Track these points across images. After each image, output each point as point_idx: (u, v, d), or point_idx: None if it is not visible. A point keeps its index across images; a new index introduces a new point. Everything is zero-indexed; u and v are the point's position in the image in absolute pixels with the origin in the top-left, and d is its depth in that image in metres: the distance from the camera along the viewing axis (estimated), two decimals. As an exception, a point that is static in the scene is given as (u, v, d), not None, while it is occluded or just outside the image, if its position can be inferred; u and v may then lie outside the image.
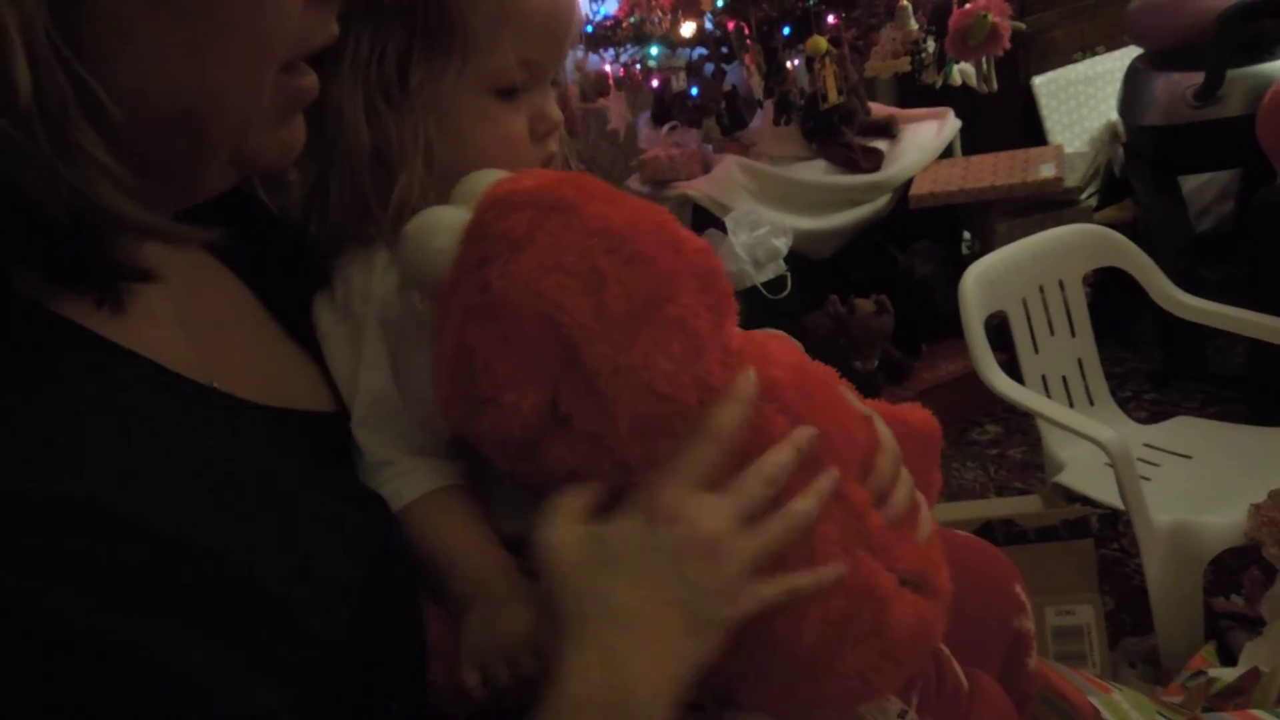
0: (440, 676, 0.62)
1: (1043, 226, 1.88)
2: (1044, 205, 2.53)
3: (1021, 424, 2.42)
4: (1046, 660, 1.14)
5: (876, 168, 2.59)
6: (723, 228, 2.31)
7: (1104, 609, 1.50)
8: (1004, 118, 3.05)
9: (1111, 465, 1.41)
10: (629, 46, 2.53)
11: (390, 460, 0.65)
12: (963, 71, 2.48)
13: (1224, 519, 1.40)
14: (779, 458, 0.57)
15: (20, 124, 0.42)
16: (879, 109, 2.81)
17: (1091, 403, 1.79)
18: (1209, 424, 1.82)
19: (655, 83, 2.61)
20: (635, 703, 0.53)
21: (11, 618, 0.40)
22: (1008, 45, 2.32)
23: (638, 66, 2.56)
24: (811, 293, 2.41)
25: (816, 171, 2.57)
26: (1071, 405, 1.75)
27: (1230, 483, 1.53)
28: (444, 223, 0.58)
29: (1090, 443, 1.46)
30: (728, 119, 2.72)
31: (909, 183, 2.61)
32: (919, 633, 0.59)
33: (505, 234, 0.56)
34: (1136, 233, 2.18)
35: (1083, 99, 3.04)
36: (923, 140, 2.69)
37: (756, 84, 2.44)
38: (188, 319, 0.58)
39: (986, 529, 1.53)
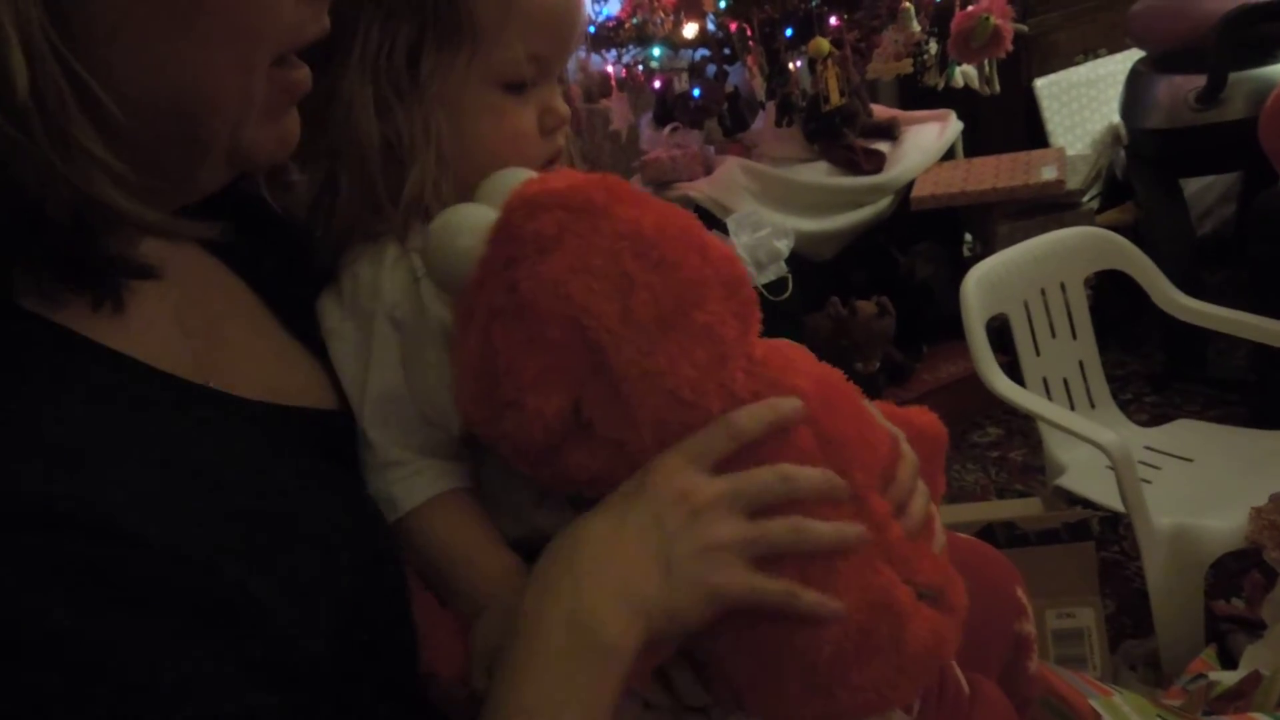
0: (448, 679, 0.62)
1: (1044, 229, 1.88)
2: (1046, 208, 2.53)
3: (1022, 426, 2.42)
4: (1047, 663, 1.14)
5: (878, 170, 2.59)
6: (724, 229, 2.31)
7: (1104, 612, 1.51)
8: (1006, 120, 3.05)
9: (1112, 468, 1.41)
10: (631, 47, 2.53)
11: (400, 460, 0.64)
12: (965, 74, 2.49)
13: (1225, 522, 1.40)
14: (804, 469, 0.57)
15: (18, 121, 0.42)
16: (881, 111, 2.81)
17: (1093, 405, 1.79)
18: (1210, 427, 1.82)
19: (657, 84, 2.61)
20: (599, 627, 0.53)
21: None
22: (1010, 47, 2.32)
23: (640, 67, 2.56)
24: (813, 294, 2.41)
25: (818, 173, 2.57)
26: (1072, 408, 1.75)
27: (1231, 486, 1.53)
28: (470, 221, 0.58)
29: (1091, 445, 1.45)
30: (730, 120, 2.72)
31: (910, 185, 2.61)
32: (934, 648, 0.59)
33: (534, 235, 0.55)
34: (1138, 235, 2.18)
35: (1085, 101, 3.04)
36: (924, 142, 2.69)
37: (759, 85, 2.44)
38: (185, 318, 0.58)
39: (987, 531, 1.53)
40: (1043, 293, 1.74)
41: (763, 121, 2.71)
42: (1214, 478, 1.61)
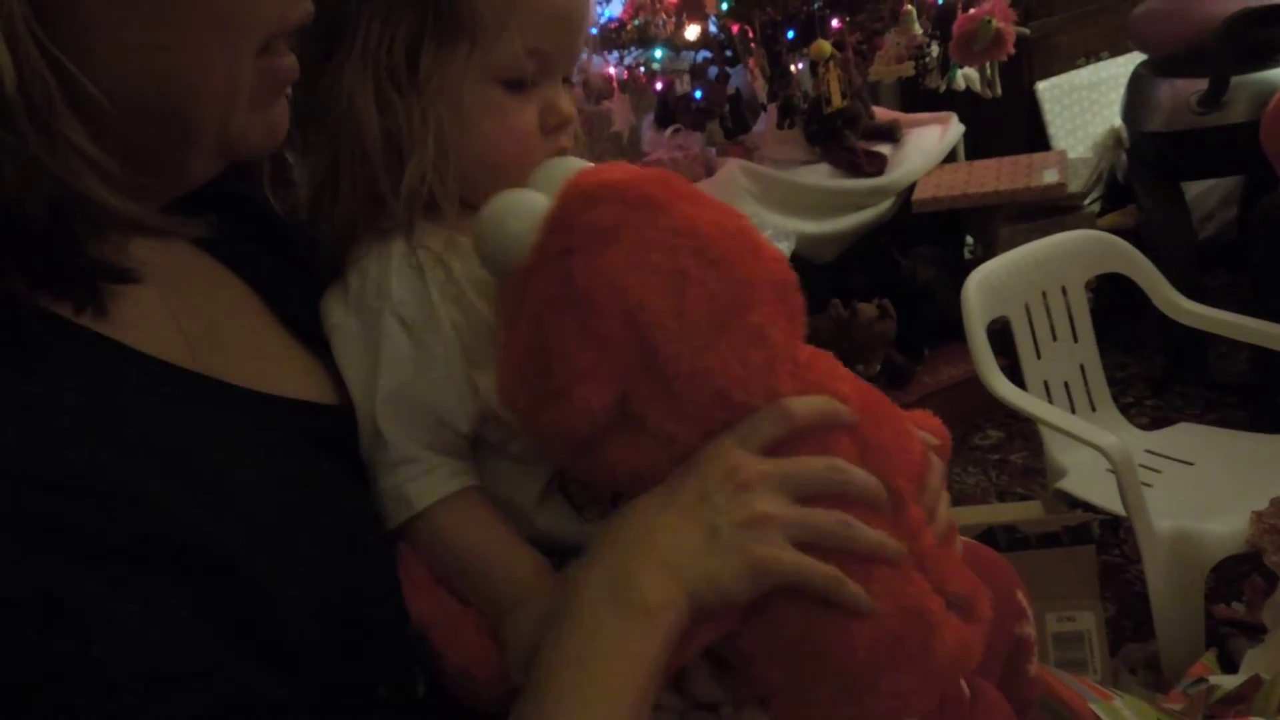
0: (483, 678, 0.62)
1: (1046, 232, 1.88)
2: (1047, 210, 2.53)
3: (1023, 429, 2.42)
4: (1047, 666, 1.14)
5: (880, 172, 2.59)
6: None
7: (1105, 615, 1.50)
8: (1007, 123, 3.05)
9: (1113, 471, 1.41)
10: (633, 49, 2.54)
11: (414, 458, 0.64)
12: (966, 76, 2.49)
13: (1225, 526, 1.40)
14: (855, 468, 0.58)
15: (5, 118, 0.42)
16: (883, 113, 2.81)
17: (1093, 408, 1.79)
18: (1211, 430, 1.82)
19: (659, 85, 2.61)
20: (638, 588, 0.54)
21: None
22: (1012, 50, 2.32)
23: (642, 69, 2.56)
24: (814, 296, 2.39)
25: (820, 175, 2.57)
26: (1073, 411, 1.75)
27: (1232, 489, 1.53)
28: (523, 206, 0.58)
29: (1092, 449, 1.45)
30: (731, 122, 2.72)
31: (912, 187, 2.61)
32: (960, 658, 0.59)
33: (592, 226, 0.55)
34: (1139, 239, 2.18)
35: (1086, 104, 3.04)
36: (926, 145, 2.70)
37: (760, 87, 2.45)
38: (180, 314, 0.58)
39: (988, 534, 1.53)
40: (1044, 295, 1.74)
41: (764, 123, 2.71)
42: (1215, 481, 1.61)
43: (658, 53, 2.53)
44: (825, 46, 2.29)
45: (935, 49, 2.48)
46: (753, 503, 0.56)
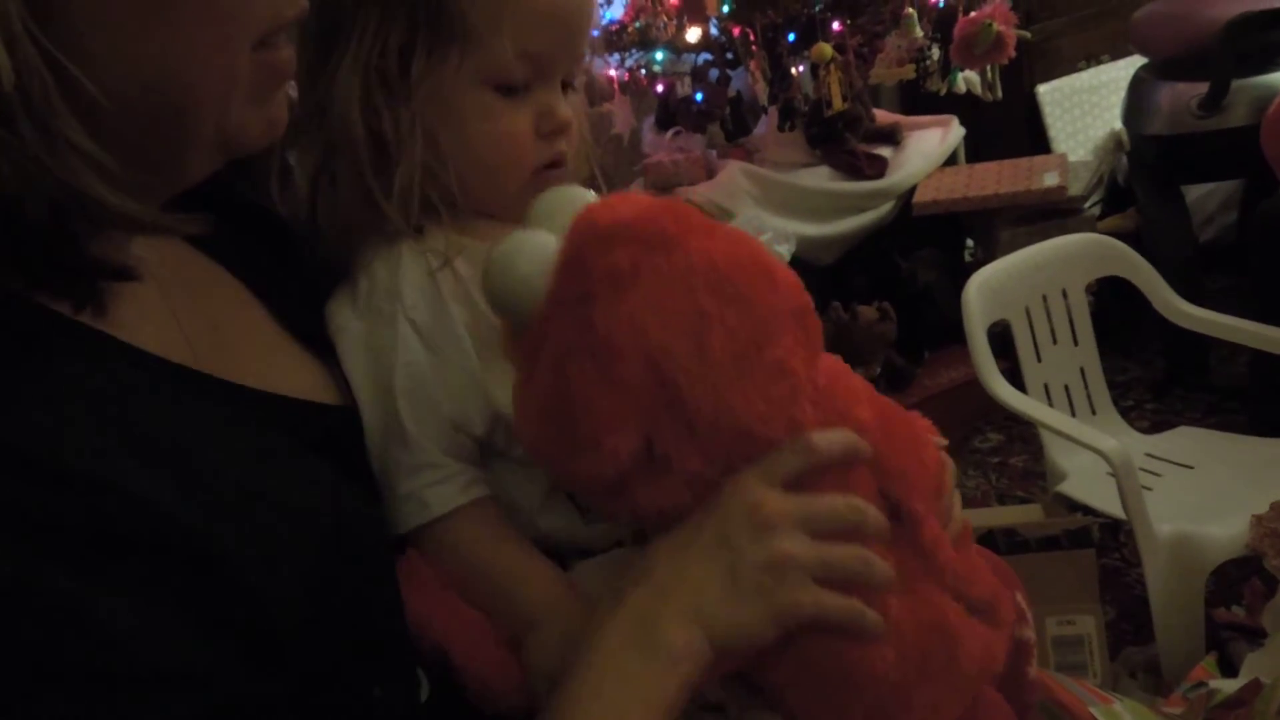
0: (502, 692, 0.62)
1: (1046, 235, 1.88)
2: (1047, 214, 2.53)
3: (1023, 432, 2.42)
4: (1047, 670, 1.14)
5: (880, 175, 2.59)
6: (726, 233, 2.31)
7: (1105, 619, 1.50)
8: (1008, 126, 3.05)
9: (1113, 475, 1.41)
10: (634, 51, 2.54)
11: (434, 463, 0.64)
12: (967, 79, 2.49)
13: (1225, 530, 1.40)
14: (873, 511, 0.58)
15: (3, 117, 0.42)
16: (883, 116, 2.81)
17: (1094, 412, 1.79)
18: (1211, 434, 1.82)
19: (660, 88, 2.62)
20: (661, 635, 0.54)
21: None
22: (1012, 53, 2.33)
23: (642, 71, 2.57)
24: (815, 299, 2.41)
25: (820, 178, 2.57)
26: (1074, 414, 1.75)
27: (1232, 493, 1.53)
28: (533, 248, 0.57)
29: (1092, 452, 1.45)
30: (732, 125, 2.72)
31: (912, 190, 2.61)
32: (986, 664, 0.59)
33: (609, 271, 0.54)
34: (1139, 242, 2.18)
35: (1087, 108, 3.04)
36: (927, 148, 2.70)
37: (761, 90, 2.45)
38: (181, 314, 0.58)
39: (988, 538, 1.53)
40: (1044, 299, 1.74)
41: (765, 126, 2.71)
42: (1215, 485, 1.61)
43: (659, 55, 2.53)
44: (826, 49, 2.29)
45: (936, 52, 2.48)
46: (775, 544, 0.55)
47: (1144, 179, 2.60)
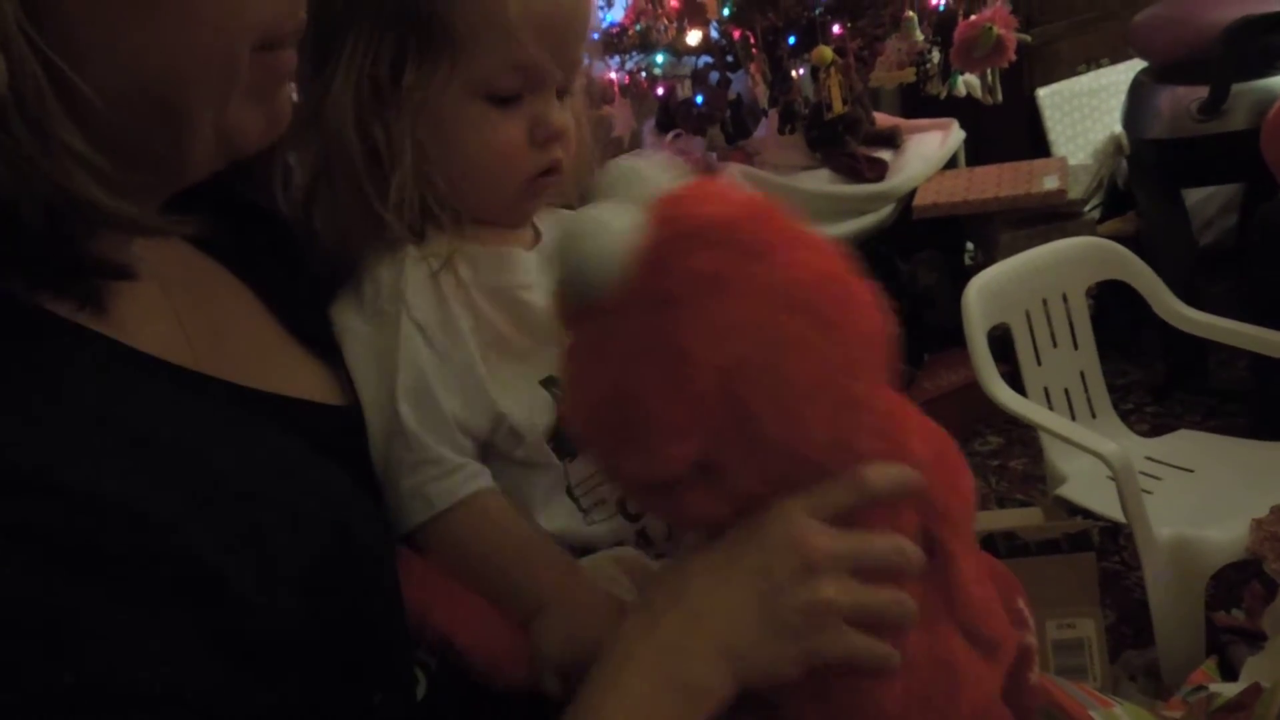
0: (512, 676, 0.62)
1: (1046, 238, 1.88)
2: (1047, 217, 2.53)
3: (1023, 435, 2.42)
4: (1047, 674, 1.14)
5: (880, 178, 2.59)
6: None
7: (1105, 622, 1.50)
8: (1008, 129, 3.05)
9: (1113, 478, 1.41)
10: (634, 54, 2.54)
11: (437, 459, 0.64)
12: (967, 83, 2.49)
13: (1225, 533, 1.40)
14: (916, 552, 0.57)
15: None
16: (883, 119, 2.81)
17: (1093, 415, 1.79)
18: (1211, 438, 1.82)
19: (660, 90, 2.62)
20: (690, 667, 0.53)
21: None
22: (1013, 57, 2.33)
23: (643, 74, 2.57)
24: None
25: (820, 181, 2.57)
26: (1073, 418, 1.75)
27: (1232, 497, 1.52)
28: (610, 227, 0.54)
29: (1092, 455, 1.45)
30: (732, 127, 2.72)
31: (913, 193, 2.61)
32: (981, 704, 0.59)
33: (693, 275, 0.52)
34: (1139, 245, 2.18)
35: (1087, 111, 3.05)
36: (927, 151, 2.70)
37: (761, 93, 2.45)
38: (184, 315, 0.58)
39: (988, 541, 1.52)
40: (1044, 302, 1.74)
41: (765, 129, 2.71)
42: (1215, 488, 1.61)
43: (659, 58, 2.53)
44: (826, 52, 2.30)
45: (936, 55, 2.48)
46: (816, 587, 0.54)
47: (1144, 183, 2.60)
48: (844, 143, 2.57)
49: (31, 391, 0.45)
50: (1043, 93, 3.05)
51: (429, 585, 0.63)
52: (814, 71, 2.41)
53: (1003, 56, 2.31)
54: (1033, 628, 0.88)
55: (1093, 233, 2.39)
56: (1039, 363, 1.73)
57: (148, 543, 0.44)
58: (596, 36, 2.47)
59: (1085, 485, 1.64)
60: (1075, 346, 1.78)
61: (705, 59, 2.54)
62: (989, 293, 1.65)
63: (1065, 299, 1.76)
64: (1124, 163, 2.76)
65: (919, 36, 2.41)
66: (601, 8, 2.52)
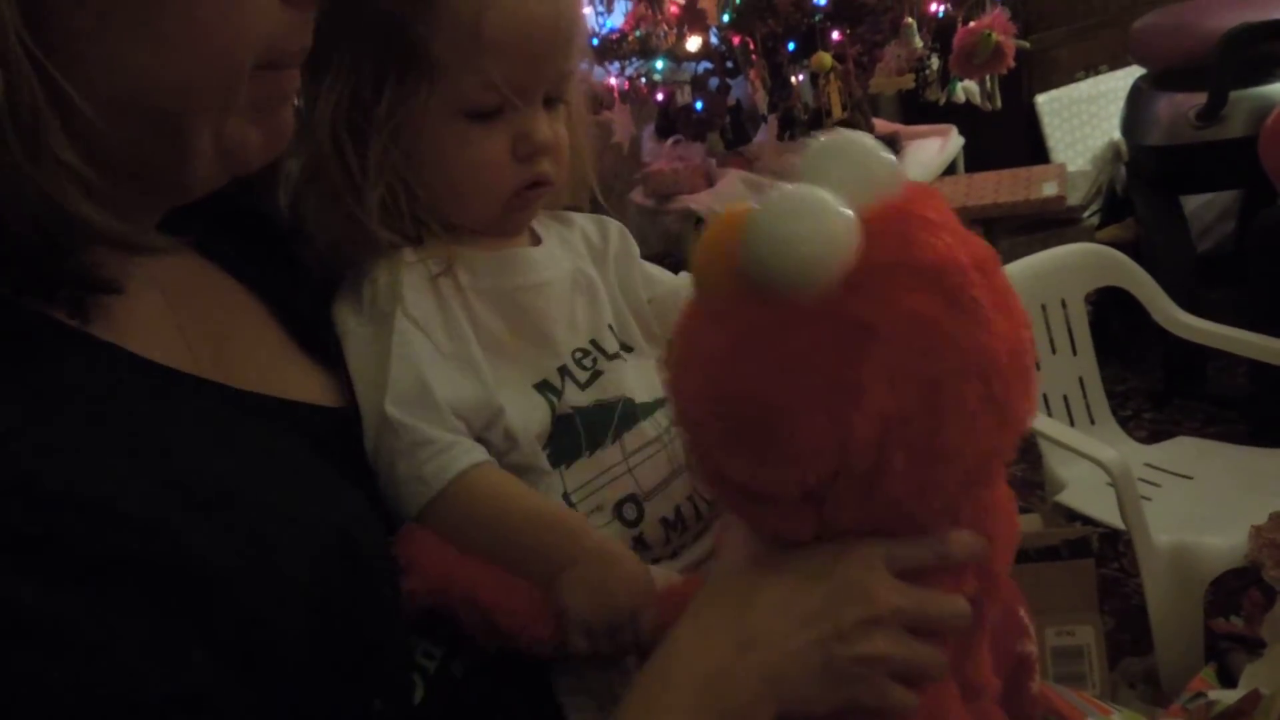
0: (538, 633, 0.62)
1: (1045, 245, 1.88)
2: (1046, 223, 2.54)
3: (1022, 442, 2.41)
4: (1047, 681, 1.14)
5: (879, 184, 2.59)
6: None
7: (1104, 629, 1.50)
8: (1007, 135, 3.06)
9: (1112, 485, 1.41)
10: (634, 60, 2.54)
11: (430, 439, 0.63)
12: (966, 89, 2.49)
13: (1224, 540, 1.40)
14: (970, 613, 0.57)
15: None
16: (883, 125, 2.82)
17: (1092, 422, 1.79)
18: (1210, 444, 1.82)
19: (660, 96, 2.62)
20: (737, 695, 0.53)
21: None
22: (1012, 63, 2.33)
23: (643, 80, 2.57)
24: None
25: (820, 187, 2.57)
26: (1072, 424, 1.75)
27: (1231, 503, 1.53)
28: (835, 221, 0.48)
29: (1091, 462, 1.45)
30: (732, 133, 2.73)
31: (912, 199, 2.61)
32: None
33: (901, 313, 0.48)
34: (1138, 252, 2.18)
35: (1085, 118, 3.05)
36: (926, 157, 2.70)
37: (761, 99, 2.45)
38: (184, 321, 0.58)
39: (987, 547, 1.53)
40: (1043, 309, 1.74)
41: (765, 135, 2.71)
42: (1213, 495, 1.61)
43: (659, 63, 2.54)
44: (826, 59, 2.30)
45: (935, 62, 2.48)
46: (876, 640, 0.54)
47: (1142, 189, 2.60)
48: (843, 149, 2.57)
49: (30, 395, 0.45)
50: (1041, 99, 3.05)
51: (448, 557, 0.62)
52: (813, 77, 2.41)
53: (1001, 63, 2.31)
54: (1033, 636, 0.88)
55: (1091, 239, 2.40)
56: (1038, 369, 1.72)
57: (147, 546, 0.44)
58: (596, 42, 2.48)
59: (1084, 492, 1.64)
60: (1074, 353, 1.78)
61: (705, 65, 2.54)
62: (988, 299, 1.65)
63: (1064, 305, 1.76)
64: (1123, 169, 2.77)
65: (918, 43, 2.41)
66: (601, 14, 2.53)
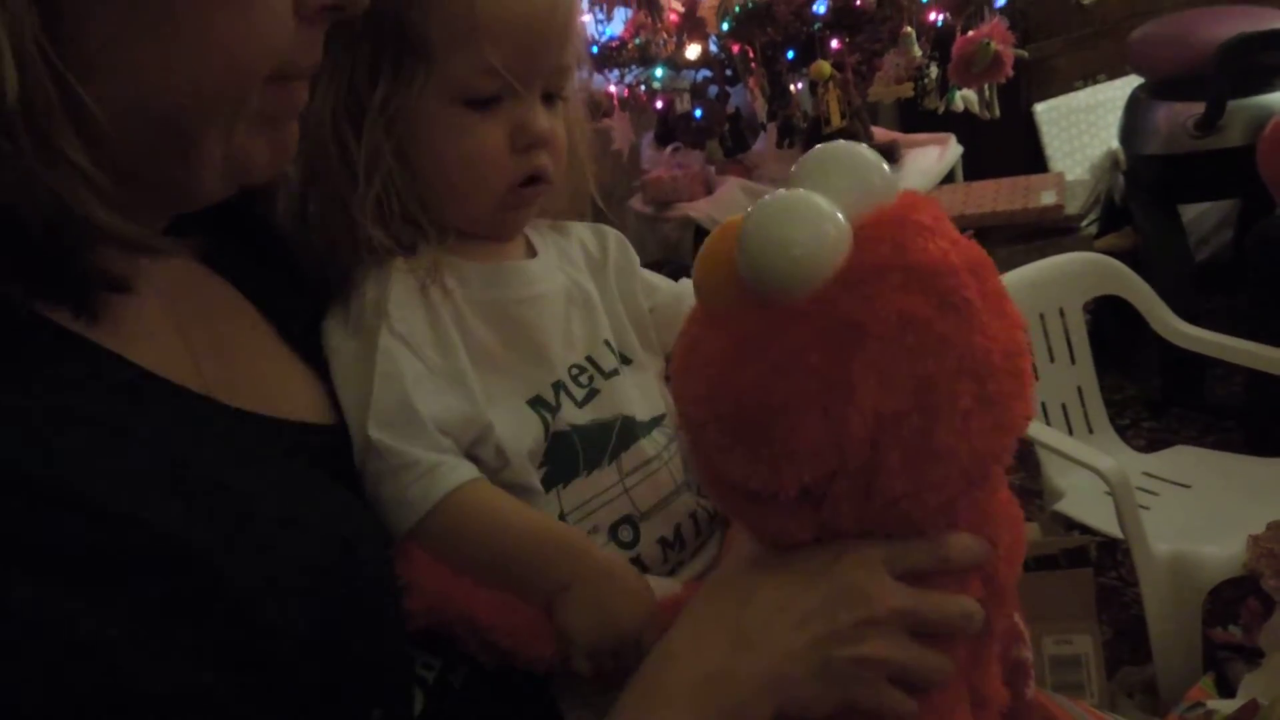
0: (539, 651, 0.61)
1: (1043, 254, 1.89)
2: (1044, 232, 2.54)
3: (1021, 451, 2.40)
4: (1044, 690, 1.14)
5: (878, 192, 2.59)
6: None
7: (1102, 638, 1.50)
8: (1006, 144, 3.06)
9: (1111, 494, 1.41)
10: (634, 67, 2.55)
11: (416, 461, 0.62)
12: (965, 98, 2.50)
13: (1222, 549, 1.40)
14: (981, 613, 0.57)
15: (4, 127, 0.42)
16: (882, 134, 2.82)
17: (1091, 431, 1.79)
18: (1208, 453, 1.82)
19: (659, 104, 2.62)
20: (734, 695, 0.53)
21: None
22: (1010, 72, 2.33)
23: (642, 87, 2.57)
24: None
25: (818, 195, 2.57)
26: (1071, 433, 1.75)
27: (1229, 513, 1.53)
28: (827, 223, 0.49)
29: (1089, 471, 1.45)
30: (731, 141, 2.73)
31: (911, 207, 2.61)
32: None
33: (892, 314, 0.49)
34: (1136, 261, 2.18)
35: (1084, 127, 3.06)
36: (924, 165, 2.70)
37: (760, 107, 2.46)
38: (188, 332, 0.58)
39: (985, 556, 1.52)
40: (1041, 318, 1.74)
41: (764, 143, 2.72)
42: (1212, 504, 1.61)
43: (658, 71, 2.54)
44: (825, 67, 2.30)
45: (934, 70, 2.49)
46: (873, 643, 0.55)
47: (1141, 198, 2.61)
48: (842, 157, 2.57)
49: (27, 396, 0.45)
50: (1040, 108, 3.06)
51: (445, 576, 0.62)
52: (812, 86, 2.41)
53: (1000, 72, 2.32)
54: (1028, 641, 0.88)
55: (1090, 248, 2.39)
56: (1036, 378, 1.72)
57: (149, 550, 0.44)
58: (595, 50, 2.48)
59: (1082, 501, 1.64)
60: (1072, 362, 1.78)
61: (704, 73, 2.55)
62: (986, 307, 1.65)
63: (1062, 314, 1.76)
64: (1121, 178, 2.77)
65: (917, 52, 2.41)
66: (601, 21, 2.53)
